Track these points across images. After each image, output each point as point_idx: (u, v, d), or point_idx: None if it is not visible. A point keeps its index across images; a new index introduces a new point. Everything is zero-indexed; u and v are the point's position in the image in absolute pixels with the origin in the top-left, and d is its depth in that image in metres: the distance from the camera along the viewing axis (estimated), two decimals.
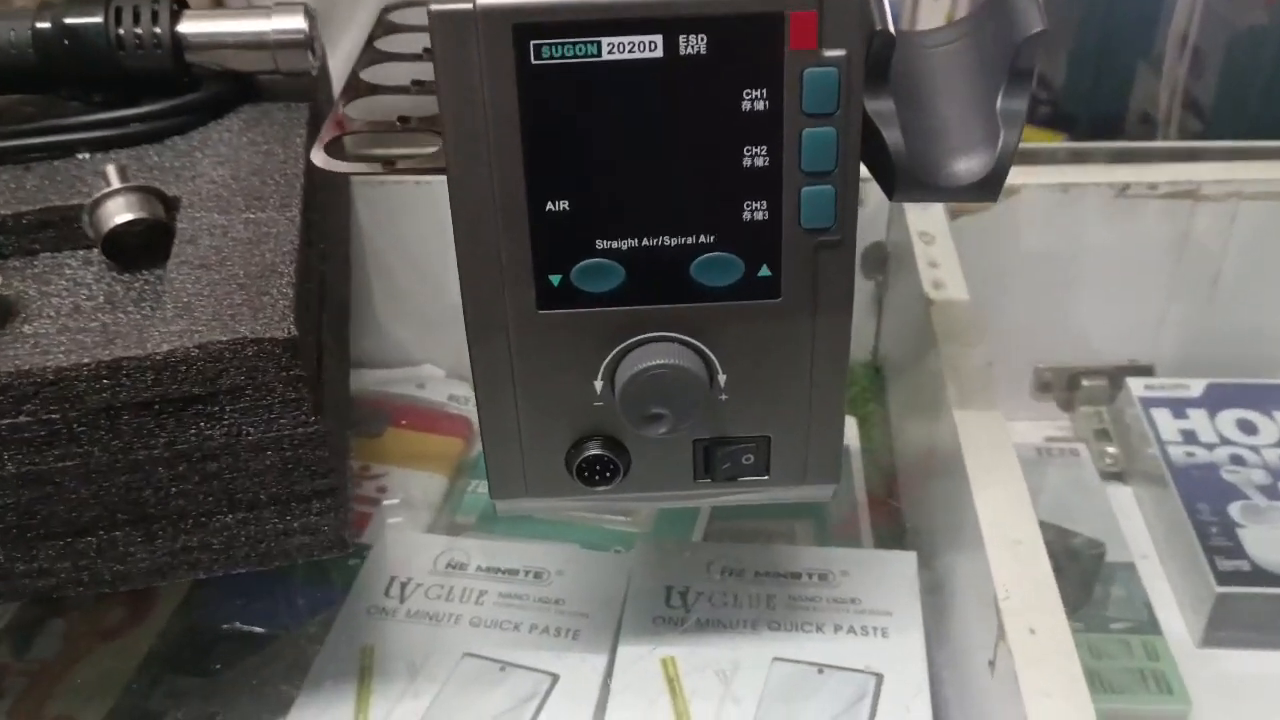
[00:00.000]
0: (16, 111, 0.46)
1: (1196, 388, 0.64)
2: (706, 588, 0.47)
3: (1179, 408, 0.63)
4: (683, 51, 0.30)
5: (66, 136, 0.44)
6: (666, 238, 0.32)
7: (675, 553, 0.49)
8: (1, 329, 0.36)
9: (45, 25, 0.44)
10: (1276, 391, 0.63)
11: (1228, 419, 0.62)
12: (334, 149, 0.36)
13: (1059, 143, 0.78)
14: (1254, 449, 0.60)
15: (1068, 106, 0.92)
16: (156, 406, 0.34)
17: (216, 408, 0.34)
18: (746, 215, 0.32)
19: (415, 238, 0.62)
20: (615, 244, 0.32)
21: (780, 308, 0.33)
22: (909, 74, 0.38)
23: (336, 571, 0.51)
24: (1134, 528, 0.60)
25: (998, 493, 0.41)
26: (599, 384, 0.35)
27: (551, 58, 0.30)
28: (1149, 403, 0.63)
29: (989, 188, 0.36)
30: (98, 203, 0.39)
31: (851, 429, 0.62)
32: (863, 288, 0.64)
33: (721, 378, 0.35)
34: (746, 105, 0.31)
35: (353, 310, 0.58)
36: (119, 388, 0.33)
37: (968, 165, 0.37)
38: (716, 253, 0.32)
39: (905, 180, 0.36)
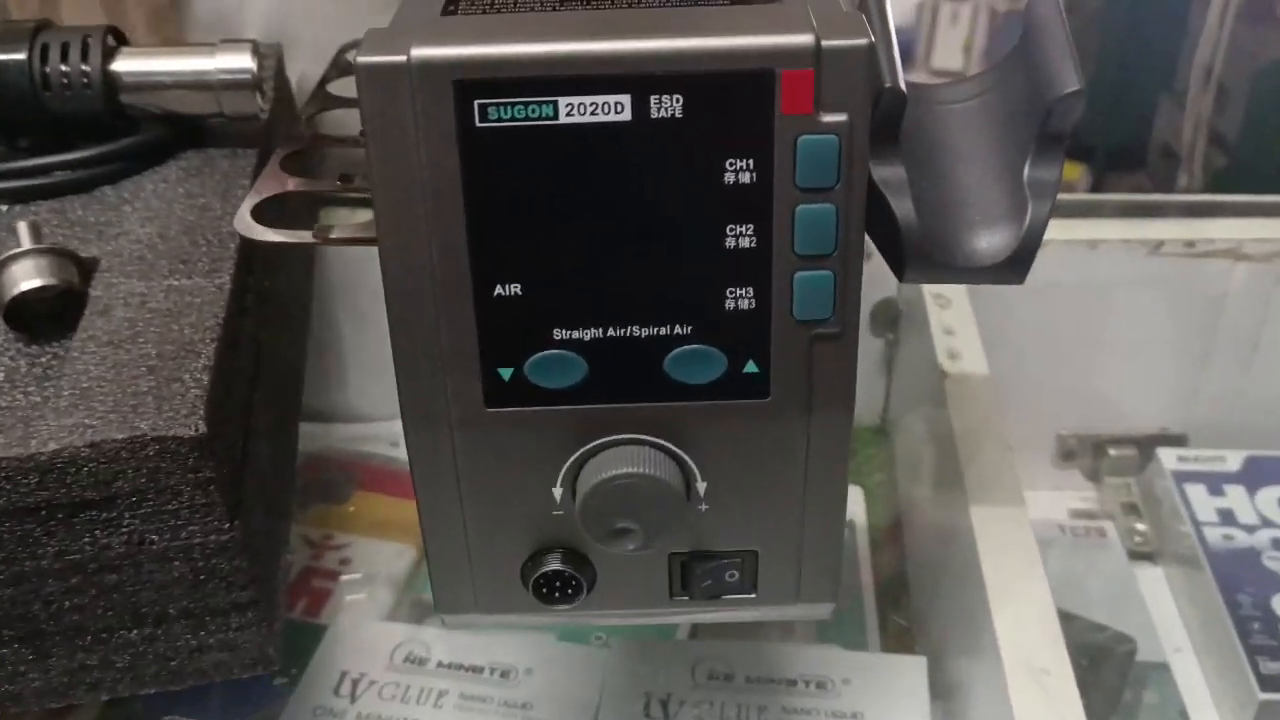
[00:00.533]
0: None
1: (1234, 461, 0.59)
2: (690, 695, 0.42)
3: (1215, 483, 0.58)
4: (655, 114, 0.25)
5: None
6: (636, 328, 0.27)
7: (656, 653, 0.44)
8: None
9: None
10: None
11: (1269, 497, 0.57)
12: (268, 210, 0.31)
13: (1083, 194, 0.73)
14: None
15: (1086, 137, 0.88)
16: (44, 512, 0.29)
17: (114, 514, 0.30)
18: (730, 304, 0.27)
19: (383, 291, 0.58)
20: (576, 334, 0.27)
21: (769, 408, 0.29)
22: (922, 134, 0.33)
23: (288, 655, 0.47)
24: (1167, 616, 0.54)
25: (1021, 609, 0.36)
26: (558, 491, 0.30)
27: (500, 120, 0.25)
28: (1182, 476, 0.58)
29: (1014, 269, 0.31)
30: (2, 265, 0.34)
31: (857, 500, 0.57)
32: (871, 346, 0.59)
33: (701, 485, 0.30)
34: (730, 177, 0.26)
35: (323, 362, 0.54)
36: (0, 491, 0.29)
37: (990, 242, 0.32)
38: (695, 345, 0.28)
39: (917, 259, 0.31)
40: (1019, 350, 0.56)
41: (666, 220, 0.26)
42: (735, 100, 0.25)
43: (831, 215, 0.26)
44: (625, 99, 0.25)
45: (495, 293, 0.27)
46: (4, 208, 0.39)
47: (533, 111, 0.25)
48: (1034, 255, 0.31)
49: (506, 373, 0.28)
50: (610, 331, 0.27)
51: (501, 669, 0.45)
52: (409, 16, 0.28)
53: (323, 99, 0.39)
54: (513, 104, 0.25)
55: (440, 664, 0.45)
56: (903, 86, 0.29)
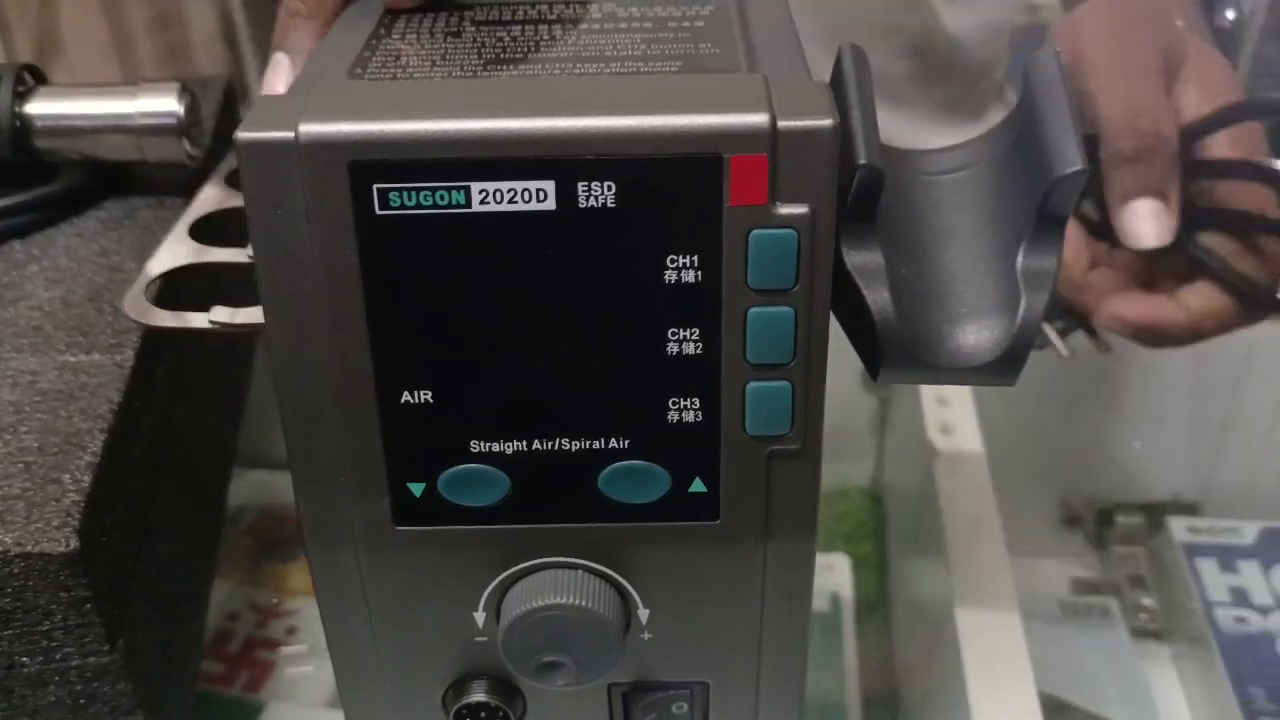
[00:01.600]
0: None
1: (1249, 533, 0.55)
2: None
3: (1228, 557, 0.54)
4: (583, 204, 0.21)
5: None
6: (566, 440, 0.24)
7: None
8: None
9: None
10: None
11: None
12: (165, 288, 0.28)
13: None
14: None
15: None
16: None
17: None
18: (672, 416, 0.24)
19: None
20: (496, 446, 0.24)
21: (719, 531, 0.25)
22: (903, 210, 0.29)
23: None
24: (1174, 705, 0.51)
25: (1007, 702, 0.33)
26: (480, 615, 0.26)
27: (403, 206, 0.21)
28: (1193, 549, 0.55)
29: (1005, 370, 0.27)
30: None
31: (843, 570, 0.53)
32: (864, 405, 0.56)
33: (643, 613, 0.26)
34: (671, 275, 0.22)
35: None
36: None
37: (978, 339, 0.28)
38: (632, 461, 0.24)
39: (894, 357, 0.27)
40: (1023, 407, 0.52)
41: (599, 322, 0.23)
42: (677, 189, 0.21)
43: (789, 319, 0.23)
44: (549, 185, 0.21)
45: (403, 399, 0.23)
46: None
47: (441, 198, 0.21)
48: (1027, 354, 0.27)
49: (418, 488, 0.24)
50: (535, 444, 0.24)
51: None
52: (311, 76, 0.24)
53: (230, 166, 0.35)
54: (418, 189, 0.21)
55: None
56: (879, 164, 0.25)
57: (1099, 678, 0.51)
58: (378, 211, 0.21)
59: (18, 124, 0.37)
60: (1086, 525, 0.59)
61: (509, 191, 0.21)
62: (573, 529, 0.25)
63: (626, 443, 0.24)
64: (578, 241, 0.22)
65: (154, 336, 0.33)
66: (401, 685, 0.28)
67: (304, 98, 0.22)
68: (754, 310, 0.22)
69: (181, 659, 0.33)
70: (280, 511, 0.56)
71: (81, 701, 0.27)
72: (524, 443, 0.24)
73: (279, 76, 0.28)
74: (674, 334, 0.23)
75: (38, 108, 0.37)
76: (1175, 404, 0.56)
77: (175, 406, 0.35)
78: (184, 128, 0.38)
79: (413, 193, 0.21)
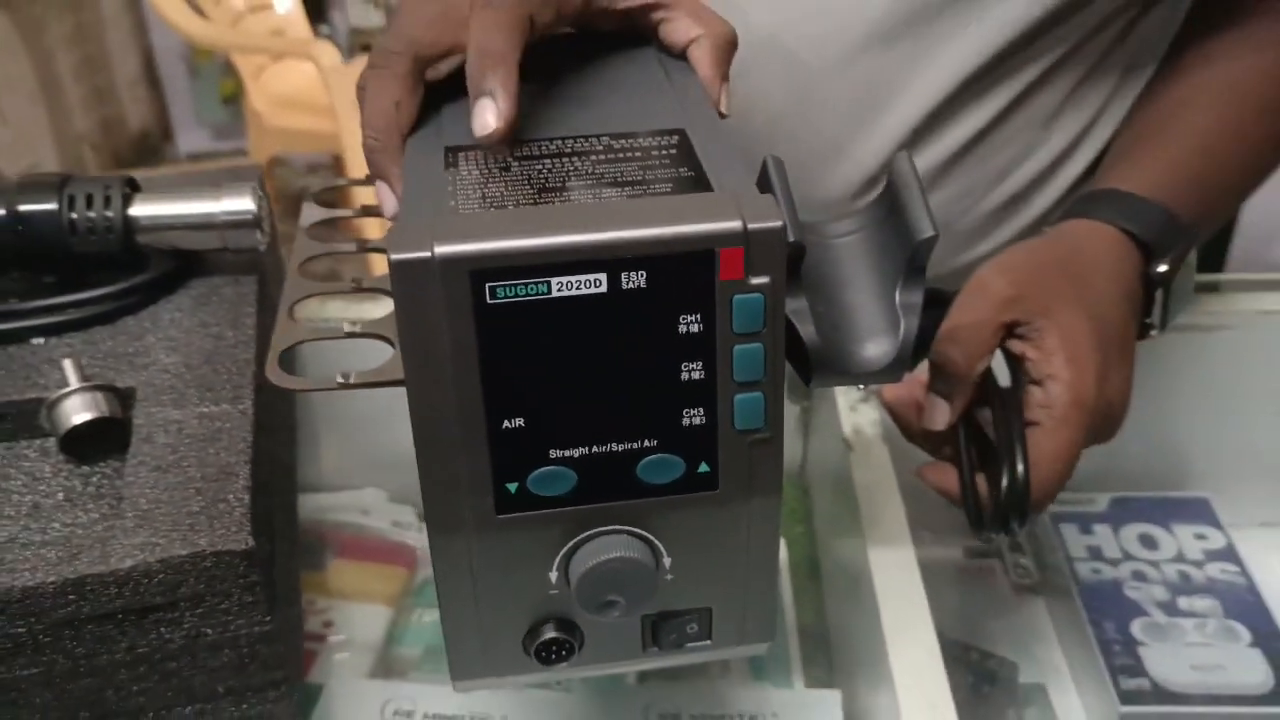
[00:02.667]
0: None
1: (1102, 502, 0.68)
2: None
3: (1085, 523, 0.67)
4: (625, 286, 0.32)
5: (20, 324, 0.45)
6: (614, 444, 0.35)
7: (612, 698, 0.52)
8: None
9: None
10: (1175, 505, 0.68)
11: (1131, 534, 0.66)
12: (286, 361, 0.38)
13: None
14: (1154, 564, 0.64)
15: None
16: (119, 615, 0.36)
17: (176, 613, 0.36)
18: (686, 421, 0.35)
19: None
20: (567, 452, 0.34)
21: (719, 498, 0.36)
22: (815, 265, 0.41)
23: None
24: (1047, 643, 0.63)
25: (911, 646, 0.44)
26: (554, 574, 0.37)
27: (506, 297, 0.32)
28: (1058, 518, 0.67)
29: (895, 372, 0.40)
30: (56, 401, 0.41)
31: (782, 548, 0.65)
32: (790, 411, 0.67)
33: (667, 561, 0.37)
34: (683, 328, 0.33)
35: (298, 437, 0.60)
36: (83, 601, 0.35)
37: (875, 352, 0.41)
38: (660, 455, 0.35)
39: (821, 369, 0.39)
40: None
41: (636, 363, 0.34)
42: (686, 272, 0.33)
43: (761, 352, 0.34)
44: (602, 276, 0.32)
45: (504, 426, 0.34)
46: (41, 340, 0.46)
47: (532, 289, 0.32)
48: (909, 360, 0.40)
49: (513, 486, 0.35)
50: (594, 449, 0.35)
51: (479, 717, 0.52)
52: (415, 210, 0.35)
53: (307, 247, 0.45)
54: (516, 284, 0.32)
55: (425, 715, 0.52)
56: (802, 240, 0.37)
57: (987, 623, 0.63)
58: (488, 301, 0.32)
59: (126, 225, 0.47)
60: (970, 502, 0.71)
61: (576, 282, 0.32)
62: (618, 506, 0.36)
63: (656, 442, 0.35)
64: (621, 311, 0.33)
65: (258, 389, 0.43)
66: (494, 633, 0.38)
67: (430, 226, 0.32)
68: (737, 347, 0.34)
69: (300, 631, 0.43)
70: (305, 527, 0.66)
71: (246, 660, 0.38)
72: (586, 449, 0.35)
73: (386, 200, 0.39)
74: (686, 366, 0.34)
75: (139, 210, 0.47)
76: None
77: (271, 442, 0.45)
78: (258, 221, 0.48)
79: (512, 287, 0.32)
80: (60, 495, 0.40)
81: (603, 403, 0.34)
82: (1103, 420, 0.48)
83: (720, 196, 0.34)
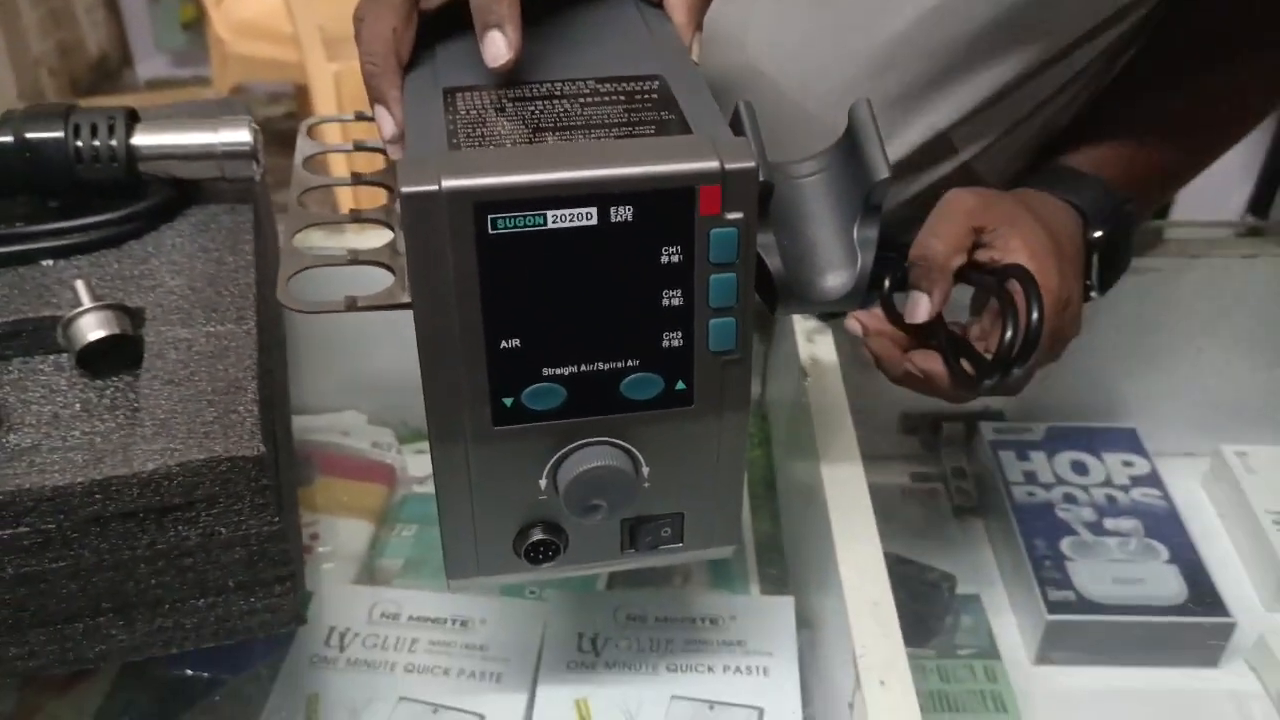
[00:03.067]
0: None
1: (1039, 431, 0.73)
2: (614, 634, 0.54)
3: (1023, 450, 0.72)
4: (613, 219, 0.36)
5: (30, 245, 0.48)
6: (601, 363, 0.38)
7: (585, 601, 0.56)
8: None
9: (7, 139, 0.48)
10: (1105, 434, 0.73)
11: (1064, 460, 0.71)
12: (294, 284, 0.41)
13: None
14: (1084, 488, 0.69)
15: None
16: (140, 515, 0.39)
17: (193, 513, 0.40)
18: (666, 343, 0.38)
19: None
20: (558, 370, 0.38)
21: (693, 413, 0.40)
22: (781, 202, 0.45)
23: None
24: (983, 558, 0.69)
25: (858, 556, 0.49)
26: (544, 481, 0.41)
27: (506, 228, 0.35)
28: (997, 445, 0.72)
29: (853, 300, 0.44)
30: (71, 320, 0.43)
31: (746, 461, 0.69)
32: (755, 341, 0.71)
33: (645, 470, 0.41)
34: (665, 259, 0.37)
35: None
36: (109, 500, 0.38)
37: (835, 282, 0.45)
38: (642, 373, 0.39)
39: (785, 298, 0.43)
40: None
41: (621, 290, 0.37)
42: (669, 207, 0.36)
43: (734, 281, 0.38)
44: (593, 209, 0.36)
45: (501, 345, 0.37)
46: (50, 262, 0.48)
47: (529, 221, 0.35)
48: (865, 289, 0.44)
49: (509, 401, 0.38)
50: (583, 368, 0.38)
51: (460, 619, 0.56)
52: (420, 148, 0.38)
53: (302, 179, 0.48)
54: (515, 216, 0.35)
55: (410, 618, 0.56)
56: (770, 179, 0.41)
57: (930, 541, 0.69)
58: (490, 232, 0.35)
59: (129, 153, 0.49)
60: (922, 433, 0.76)
61: (569, 215, 0.35)
62: (604, 419, 0.40)
63: (638, 361, 0.39)
64: (609, 242, 0.36)
65: (260, 309, 0.47)
66: (488, 535, 0.42)
67: (436, 162, 0.35)
68: (713, 276, 0.37)
69: (298, 535, 0.47)
70: (297, 447, 0.69)
71: (255, 558, 0.41)
72: (575, 367, 0.38)
73: (385, 122, 0.41)
74: (666, 293, 0.37)
75: (141, 140, 0.50)
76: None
77: (270, 360, 0.48)
78: (254, 153, 0.50)
79: (512, 219, 0.35)
80: (78, 406, 0.43)
81: (591, 325, 0.38)
82: (1064, 312, 0.52)
83: (699, 139, 0.38)
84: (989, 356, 0.49)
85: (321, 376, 0.72)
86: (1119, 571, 0.64)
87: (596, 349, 0.38)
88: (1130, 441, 0.73)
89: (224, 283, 0.47)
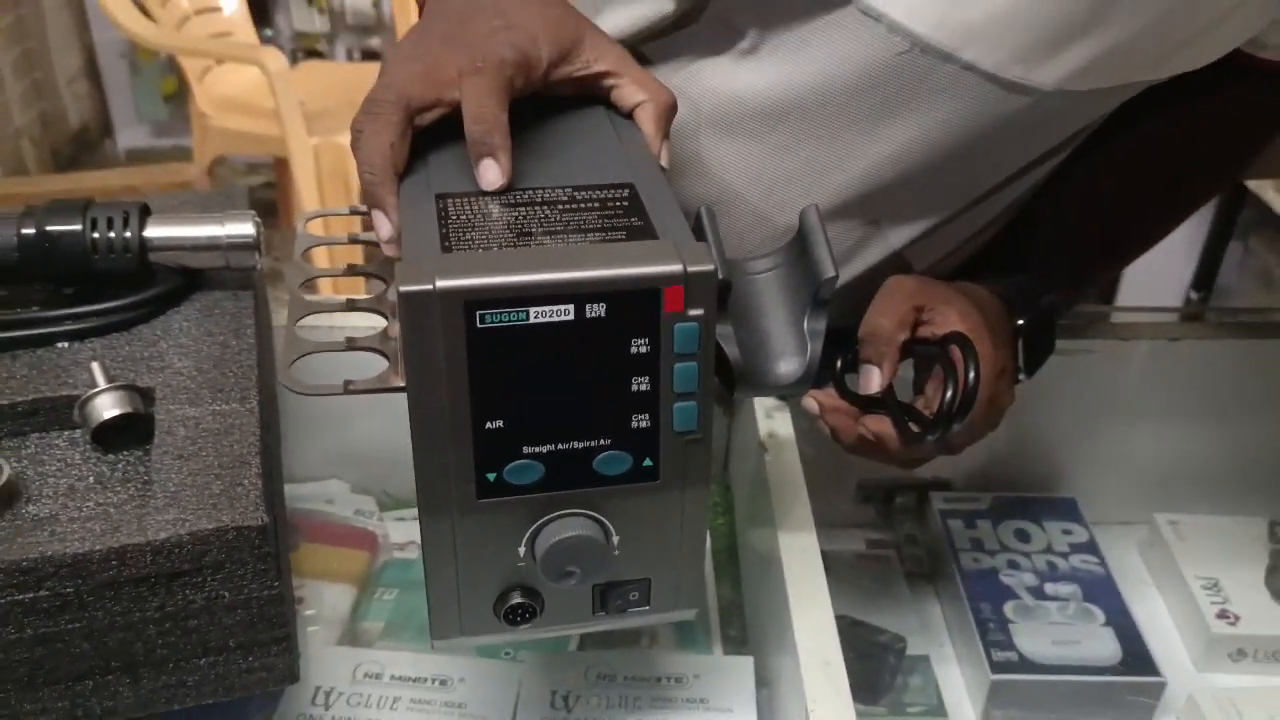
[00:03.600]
0: None
1: (985, 501, 0.78)
2: (584, 692, 0.58)
3: (970, 518, 0.77)
4: (588, 315, 0.40)
5: (48, 329, 0.52)
6: (575, 442, 0.43)
7: (557, 661, 0.60)
8: (10, 509, 0.45)
9: (29, 231, 0.52)
10: (1047, 504, 0.78)
11: (1008, 529, 0.76)
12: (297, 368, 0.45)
13: None
14: (1026, 555, 0.74)
15: None
16: (152, 579, 0.43)
17: (200, 578, 0.43)
18: (634, 424, 0.43)
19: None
20: (537, 448, 0.42)
21: (659, 487, 0.44)
22: (738, 296, 0.50)
23: None
24: (933, 621, 0.73)
25: (811, 620, 0.53)
26: (522, 549, 0.45)
27: (492, 322, 0.40)
28: (946, 514, 0.77)
29: (803, 384, 0.49)
30: (88, 399, 0.47)
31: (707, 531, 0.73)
32: (718, 419, 0.76)
33: (615, 539, 0.45)
34: (634, 350, 0.41)
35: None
36: (124, 566, 0.42)
37: (787, 369, 0.49)
38: (613, 451, 0.43)
39: (742, 383, 0.48)
40: None
41: (595, 377, 0.41)
42: (637, 305, 0.41)
43: (696, 369, 0.42)
44: (570, 306, 0.40)
45: (486, 426, 0.41)
46: (65, 345, 0.52)
47: (513, 316, 0.40)
48: (814, 376, 0.48)
49: (492, 476, 0.42)
50: (559, 446, 0.42)
51: (440, 679, 0.59)
52: (416, 249, 0.42)
53: (303, 270, 0.52)
54: (500, 312, 0.39)
55: (392, 677, 0.59)
56: (729, 278, 0.45)
57: (883, 605, 0.73)
58: (477, 326, 0.39)
59: (141, 245, 0.53)
60: (876, 501, 0.81)
61: (548, 311, 0.40)
62: (578, 493, 0.44)
63: (609, 441, 0.43)
64: (584, 335, 0.40)
65: (260, 389, 0.51)
66: (470, 597, 0.45)
67: (431, 264, 0.39)
68: (677, 365, 0.42)
69: (292, 599, 0.50)
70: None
71: (255, 620, 0.45)
72: (553, 445, 0.42)
73: (382, 226, 0.46)
74: (635, 380, 0.42)
75: (153, 232, 0.54)
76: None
77: (269, 436, 0.52)
78: (257, 244, 0.55)
79: (497, 314, 0.39)
80: (92, 479, 0.47)
81: (567, 408, 0.42)
82: (999, 379, 0.57)
83: (664, 244, 0.42)
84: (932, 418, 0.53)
85: (307, 447, 0.76)
86: (1058, 634, 0.68)
87: (572, 429, 0.42)
88: (1070, 511, 0.78)
89: (228, 364, 0.51)
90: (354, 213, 0.57)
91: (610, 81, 0.51)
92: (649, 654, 0.62)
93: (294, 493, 0.75)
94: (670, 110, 0.51)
